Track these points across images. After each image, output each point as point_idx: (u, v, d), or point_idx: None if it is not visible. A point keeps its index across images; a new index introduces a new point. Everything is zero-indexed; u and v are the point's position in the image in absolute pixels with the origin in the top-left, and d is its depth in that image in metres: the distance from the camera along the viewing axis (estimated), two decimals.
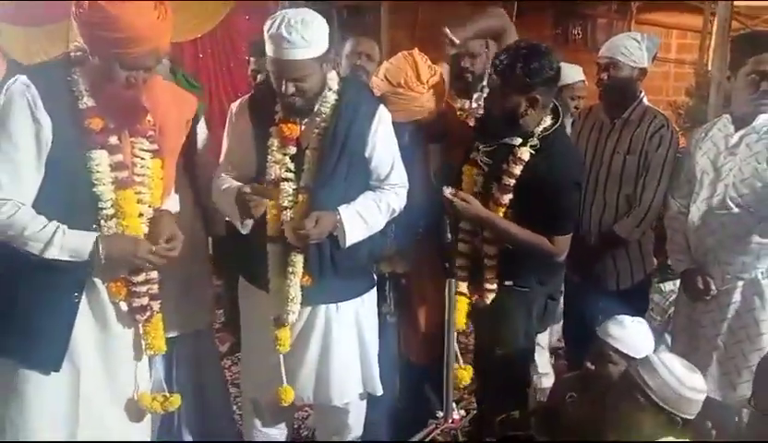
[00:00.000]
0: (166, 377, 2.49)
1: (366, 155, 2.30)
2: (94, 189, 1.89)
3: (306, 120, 2.26)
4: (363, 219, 2.29)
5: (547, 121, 2.37)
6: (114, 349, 2.03)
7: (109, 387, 2.03)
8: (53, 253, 1.84)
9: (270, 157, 2.24)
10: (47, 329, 1.91)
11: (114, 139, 1.92)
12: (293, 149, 2.25)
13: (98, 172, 1.89)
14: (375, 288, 2.51)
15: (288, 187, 2.24)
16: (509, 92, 2.28)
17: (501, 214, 2.37)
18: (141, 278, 2.00)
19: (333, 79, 2.27)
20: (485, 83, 3.12)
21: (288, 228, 2.23)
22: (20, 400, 1.93)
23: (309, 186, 2.24)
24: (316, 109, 2.24)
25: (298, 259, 2.25)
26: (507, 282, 2.46)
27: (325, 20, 2.15)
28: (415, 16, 6.85)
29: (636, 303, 2.82)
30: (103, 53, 1.83)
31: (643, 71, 2.85)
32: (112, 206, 1.91)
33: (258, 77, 3.36)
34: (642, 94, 2.90)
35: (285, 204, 2.24)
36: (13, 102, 1.82)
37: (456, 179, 2.52)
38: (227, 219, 2.41)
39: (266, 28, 2.12)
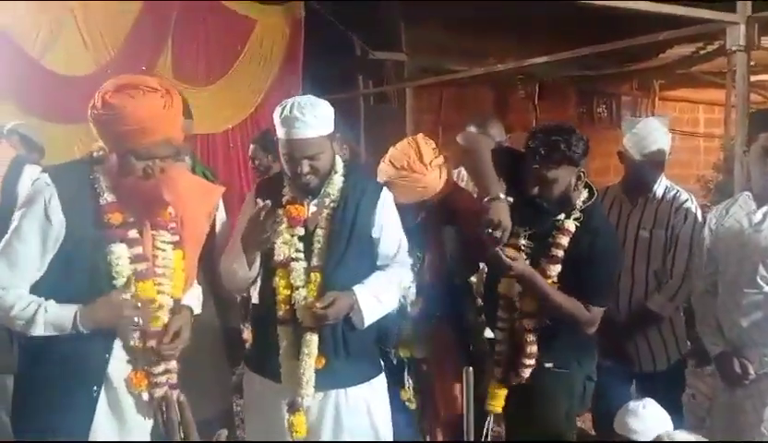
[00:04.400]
0: None
1: (374, 235, 2.34)
2: (114, 282, 1.93)
3: (313, 201, 2.32)
4: (378, 298, 2.30)
5: (585, 193, 2.41)
6: (131, 437, 2.01)
7: None
8: (37, 331, 1.87)
9: (278, 238, 2.26)
10: (66, 425, 1.92)
11: (133, 233, 1.97)
12: (300, 230, 2.28)
13: (117, 265, 1.93)
14: (383, 373, 2.46)
15: (298, 267, 2.26)
16: (560, 171, 2.30)
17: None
18: (161, 368, 2.01)
19: (339, 163, 2.34)
20: None
21: (302, 308, 2.23)
22: None
23: (322, 266, 2.26)
24: (323, 190, 2.30)
25: (313, 340, 2.23)
26: (547, 364, 2.41)
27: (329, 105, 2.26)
28: (440, 99, 7.03)
29: (673, 385, 2.75)
30: (118, 147, 1.91)
31: (669, 154, 2.93)
32: (132, 298, 1.95)
33: (256, 161, 3.68)
34: (662, 173, 2.93)
35: (297, 283, 2.26)
36: (32, 200, 1.91)
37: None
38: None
39: (277, 114, 2.22)
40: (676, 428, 2.28)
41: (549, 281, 2.34)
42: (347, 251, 2.26)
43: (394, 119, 6.65)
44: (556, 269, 2.34)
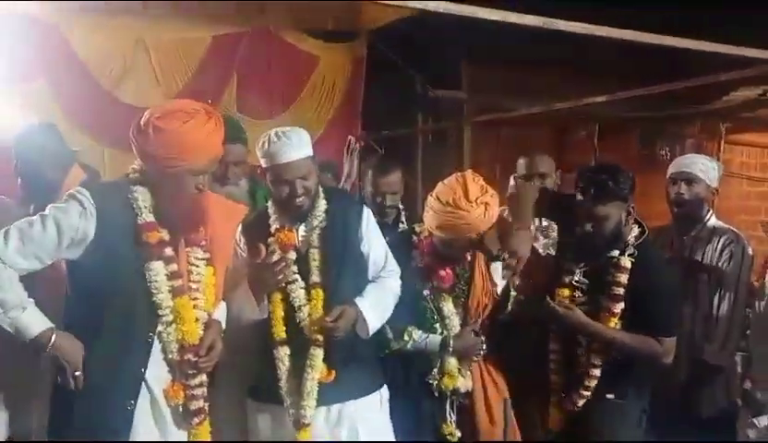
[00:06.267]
0: None
1: (363, 250, 2.45)
2: (153, 298, 2.03)
3: (302, 226, 2.41)
4: (379, 306, 2.42)
5: (636, 230, 2.47)
6: None
7: None
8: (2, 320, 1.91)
9: (269, 250, 2.31)
10: (104, 437, 1.99)
11: (169, 251, 2.07)
12: (293, 255, 2.36)
13: (156, 281, 2.03)
14: (386, 386, 2.53)
15: (296, 287, 2.35)
16: (610, 208, 2.39)
17: (613, 324, 2.43)
18: (197, 381, 2.08)
19: (319, 188, 2.46)
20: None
21: (309, 324, 2.31)
22: None
23: (322, 282, 2.35)
24: (310, 214, 2.41)
25: (317, 354, 2.32)
26: (608, 396, 2.48)
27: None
28: (498, 138, 7.02)
29: (722, 432, 2.72)
30: (174, 167, 2.02)
31: (715, 192, 2.86)
32: (170, 312, 2.03)
33: None
34: (711, 212, 2.88)
35: (298, 303, 2.34)
36: (67, 205, 2.01)
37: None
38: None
39: (261, 146, 2.34)
40: None
41: (614, 319, 2.41)
42: (344, 266, 2.38)
43: (452, 157, 6.69)
44: (619, 307, 2.42)
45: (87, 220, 1.99)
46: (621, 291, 2.41)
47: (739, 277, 2.72)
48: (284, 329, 2.36)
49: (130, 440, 2.00)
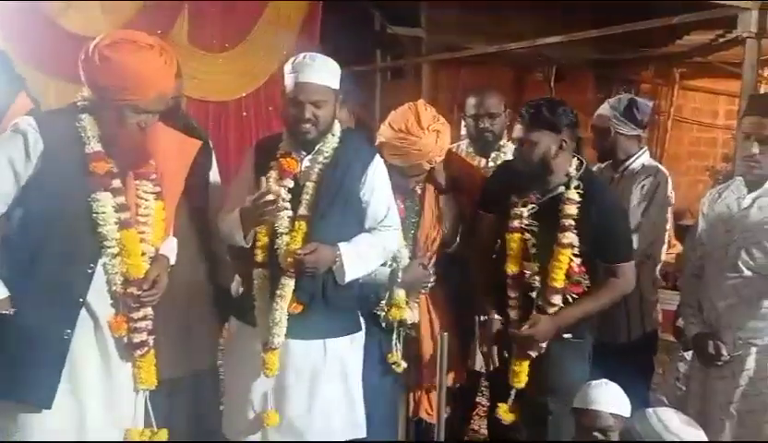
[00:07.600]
0: (166, 417, 2.44)
1: (363, 197, 2.43)
2: (99, 229, 2.00)
3: (307, 157, 2.40)
4: (361, 257, 2.40)
5: (575, 162, 2.49)
6: (115, 382, 2.09)
7: (111, 420, 2.09)
8: None
9: (265, 187, 2.31)
10: (38, 367, 1.97)
11: (117, 182, 2.03)
12: (290, 183, 2.36)
13: (102, 212, 2.00)
14: (363, 332, 2.55)
15: (284, 215, 2.34)
16: (540, 135, 2.40)
17: (566, 257, 2.43)
18: (141, 314, 2.08)
19: (337, 126, 2.43)
20: (502, 142, 3.21)
21: (284, 253, 2.32)
22: (27, 438, 1.98)
23: (308, 216, 2.35)
24: (317, 148, 2.39)
25: (288, 283, 2.32)
26: (566, 335, 2.51)
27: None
28: (457, 78, 7.00)
29: (637, 362, 2.87)
30: (116, 100, 1.97)
31: (607, 130, 3.02)
32: (116, 245, 2.02)
33: None
34: (642, 151, 3.01)
35: (281, 230, 2.34)
36: (13, 136, 1.97)
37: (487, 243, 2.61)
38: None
39: (289, 63, 2.33)
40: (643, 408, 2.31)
41: (566, 252, 2.42)
42: (333, 205, 2.36)
43: (410, 94, 6.65)
44: (571, 237, 2.41)
45: (35, 149, 1.95)
46: (570, 222, 2.40)
47: (661, 208, 2.86)
48: (265, 253, 2.36)
49: (65, 369, 2.00)
